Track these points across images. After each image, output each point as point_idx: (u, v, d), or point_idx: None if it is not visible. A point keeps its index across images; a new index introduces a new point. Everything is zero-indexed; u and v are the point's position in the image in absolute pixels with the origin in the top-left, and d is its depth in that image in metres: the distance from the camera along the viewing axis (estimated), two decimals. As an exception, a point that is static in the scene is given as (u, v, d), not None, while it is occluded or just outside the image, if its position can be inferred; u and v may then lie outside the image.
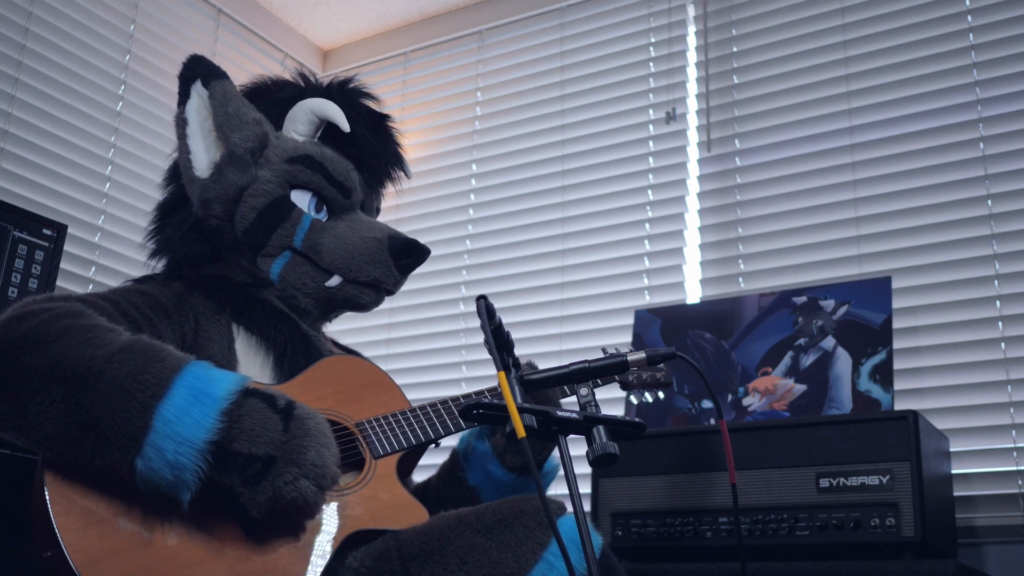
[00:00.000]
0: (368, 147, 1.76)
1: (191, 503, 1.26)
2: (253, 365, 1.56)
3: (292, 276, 1.68)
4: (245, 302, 1.62)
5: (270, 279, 1.68)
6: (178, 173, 1.73)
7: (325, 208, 1.71)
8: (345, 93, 1.80)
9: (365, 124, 1.77)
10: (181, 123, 1.69)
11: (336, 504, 1.41)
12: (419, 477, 1.82)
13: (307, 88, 1.80)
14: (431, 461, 1.91)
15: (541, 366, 1.75)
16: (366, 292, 1.71)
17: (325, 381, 1.57)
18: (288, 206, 1.67)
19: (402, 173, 1.87)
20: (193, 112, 1.69)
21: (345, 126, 1.72)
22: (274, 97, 1.78)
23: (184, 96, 1.70)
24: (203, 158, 1.67)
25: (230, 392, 1.28)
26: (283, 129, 1.75)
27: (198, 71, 1.71)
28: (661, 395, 1.90)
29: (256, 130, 1.68)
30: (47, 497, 1.25)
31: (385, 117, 1.84)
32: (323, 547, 1.36)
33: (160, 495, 1.26)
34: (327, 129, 1.75)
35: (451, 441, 1.72)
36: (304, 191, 1.69)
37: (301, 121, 1.73)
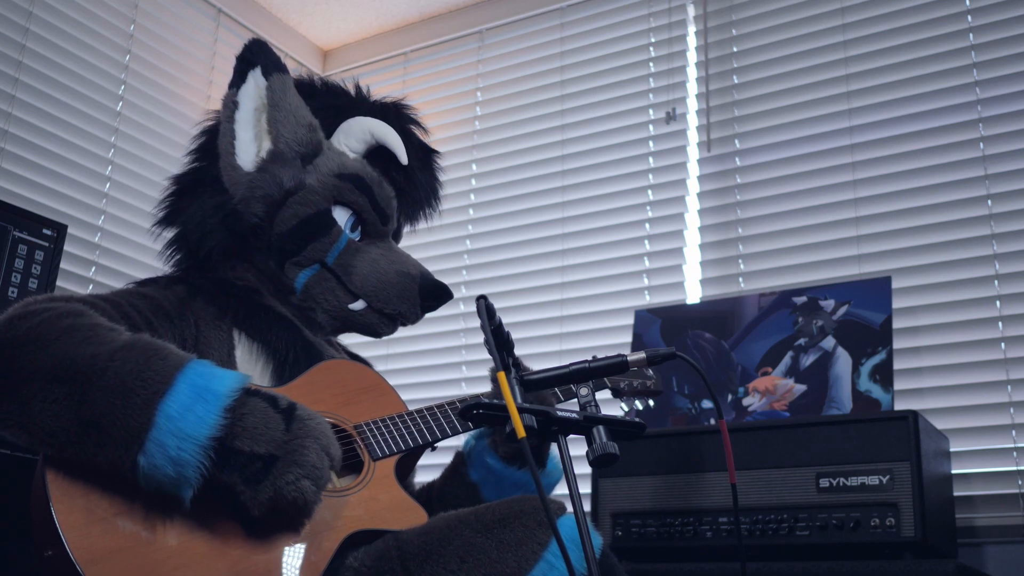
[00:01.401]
0: (416, 181, 1.79)
1: (192, 502, 1.26)
2: (252, 372, 1.56)
3: (316, 290, 1.68)
4: (248, 308, 1.61)
5: (293, 287, 1.68)
6: (208, 150, 1.71)
7: (360, 229, 1.72)
8: (399, 118, 1.81)
9: (417, 156, 1.80)
10: (231, 105, 1.68)
11: (337, 505, 1.41)
12: (420, 480, 1.82)
13: (359, 100, 1.81)
14: (431, 462, 1.91)
15: (541, 366, 1.75)
16: (386, 323, 1.75)
17: (323, 384, 1.57)
18: (329, 221, 1.68)
19: (437, 211, 1.90)
20: (247, 98, 1.68)
21: (404, 158, 1.74)
22: (328, 102, 1.78)
23: (239, 79, 1.69)
24: (249, 148, 1.66)
25: (233, 389, 1.28)
26: (333, 139, 1.75)
27: (260, 58, 1.71)
28: (651, 403, 1.91)
29: (312, 136, 1.69)
30: (49, 495, 1.25)
31: (433, 152, 1.87)
32: (323, 547, 1.36)
33: (162, 492, 1.26)
34: (376, 149, 1.76)
35: (452, 443, 1.72)
36: (346, 209, 1.70)
37: (356, 138, 1.74)
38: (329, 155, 1.71)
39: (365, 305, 1.70)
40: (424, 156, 1.84)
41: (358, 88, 1.84)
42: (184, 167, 1.76)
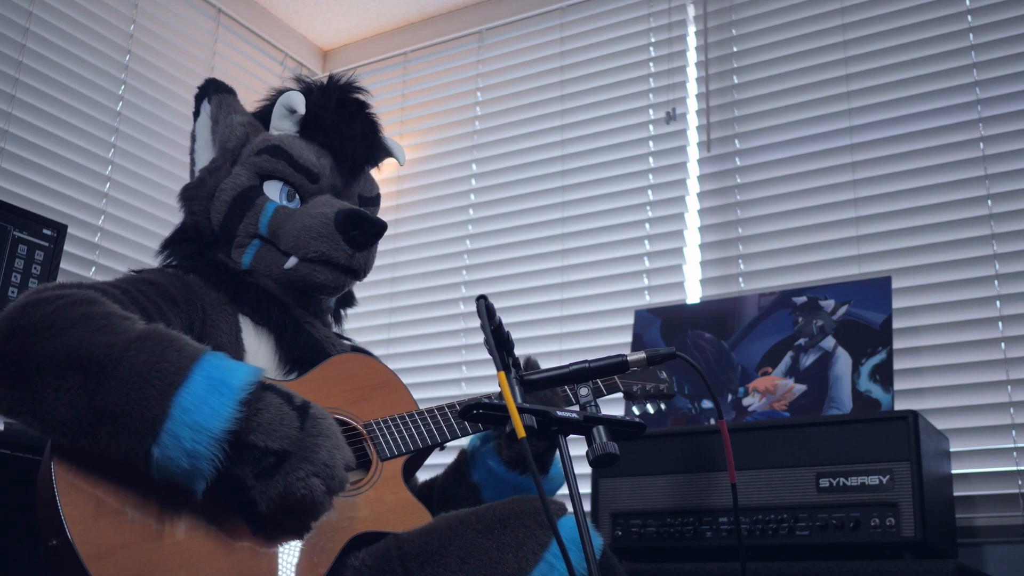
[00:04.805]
0: (333, 131, 1.75)
1: (202, 495, 1.25)
2: (259, 355, 1.57)
3: (261, 264, 1.68)
4: (239, 286, 1.63)
5: (245, 269, 1.69)
6: None
7: (297, 197, 1.72)
8: (326, 87, 1.80)
9: (332, 110, 1.76)
10: (192, 139, 1.79)
11: (342, 505, 1.41)
12: (425, 477, 1.82)
13: (300, 87, 1.82)
14: (435, 461, 1.91)
15: (541, 366, 1.75)
16: (319, 270, 1.67)
17: (335, 379, 1.57)
18: (254, 195, 1.69)
19: (392, 158, 1.87)
20: (202, 127, 1.78)
21: (301, 109, 1.73)
22: (274, 100, 1.81)
23: (196, 114, 1.79)
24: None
25: (248, 383, 1.28)
26: (270, 129, 1.78)
27: (207, 90, 1.80)
28: (663, 406, 1.90)
29: (240, 131, 1.74)
30: (55, 486, 1.25)
31: (359, 104, 1.81)
32: (327, 548, 1.36)
33: (174, 484, 1.26)
34: (307, 124, 1.76)
35: (458, 442, 1.72)
36: (275, 181, 1.71)
37: (278, 116, 1.77)
38: (254, 140, 1.74)
39: (296, 260, 1.66)
40: (342, 108, 1.79)
41: (305, 80, 1.84)
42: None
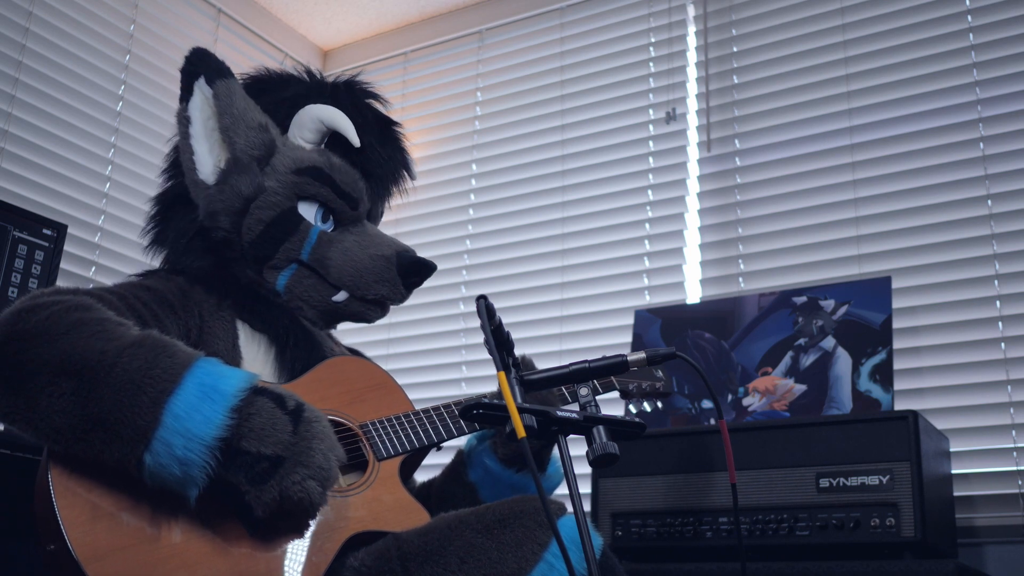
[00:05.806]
0: (376, 157, 1.75)
1: (197, 500, 1.25)
2: (256, 362, 1.56)
3: (298, 288, 1.67)
4: (246, 294, 1.61)
5: (276, 290, 1.67)
6: (179, 164, 1.70)
7: (332, 219, 1.70)
8: (351, 95, 1.77)
9: (372, 132, 1.76)
10: (184, 121, 1.66)
11: (339, 505, 1.41)
12: (424, 478, 1.82)
13: (312, 85, 1.77)
14: (433, 461, 1.91)
15: (541, 366, 1.75)
16: (372, 309, 1.72)
17: (330, 382, 1.57)
18: (296, 219, 1.65)
19: (408, 178, 1.87)
20: (196, 110, 1.66)
21: (355, 140, 1.70)
22: (280, 96, 1.75)
23: (187, 92, 1.67)
24: (207, 161, 1.64)
25: (240, 389, 1.28)
26: (289, 133, 1.72)
27: (202, 68, 1.68)
28: (660, 404, 1.90)
29: (263, 137, 1.65)
30: (52, 491, 1.25)
31: (391, 123, 1.82)
32: (326, 548, 1.36)
33: (167, 491, 1.26)
34: (334, 134, 1.73)
35: (456, 442, 1.72)
36: (311, 202, 1.68)
37: (308, 128, 1.71)
38: (285, 152, 1.68)
39: (348, 295, 1.68)
40: (382, 129, 1.79)
41: (309, 73, 1.80)
42: (161, 186, 1.75)
